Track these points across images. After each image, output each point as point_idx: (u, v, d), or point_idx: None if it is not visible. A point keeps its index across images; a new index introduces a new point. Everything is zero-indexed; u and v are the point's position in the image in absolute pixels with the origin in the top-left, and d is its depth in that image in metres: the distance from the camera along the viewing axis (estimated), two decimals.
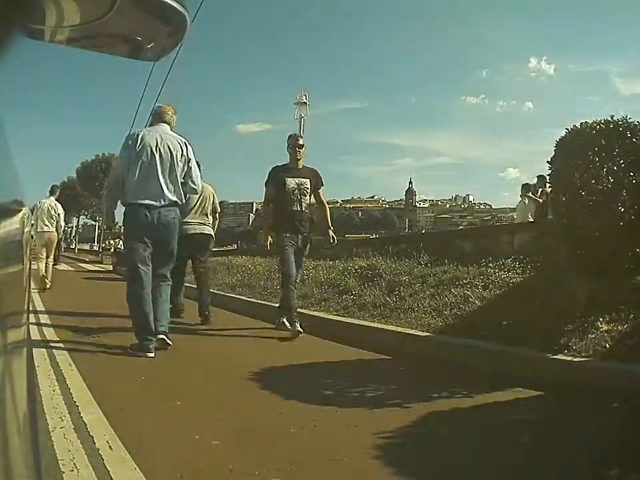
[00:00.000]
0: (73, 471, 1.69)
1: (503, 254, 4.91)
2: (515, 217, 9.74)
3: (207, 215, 5.13)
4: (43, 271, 7.82)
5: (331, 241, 4.80)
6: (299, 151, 4.61)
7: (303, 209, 4.53)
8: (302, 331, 4.23)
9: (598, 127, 3.43)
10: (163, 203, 3.44)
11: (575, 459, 1.89)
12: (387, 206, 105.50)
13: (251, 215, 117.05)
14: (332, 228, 4.87)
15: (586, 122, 3.55)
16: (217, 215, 5.40)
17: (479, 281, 4.47)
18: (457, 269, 4.90)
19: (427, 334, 3.79)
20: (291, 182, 4.50)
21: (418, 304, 4.44)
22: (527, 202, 8.40)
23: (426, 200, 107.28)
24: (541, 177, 8.39)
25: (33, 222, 7.07)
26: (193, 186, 3.68)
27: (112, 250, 16.40)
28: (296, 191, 4.49)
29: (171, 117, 3.74)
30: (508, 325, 3.43)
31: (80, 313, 5.26)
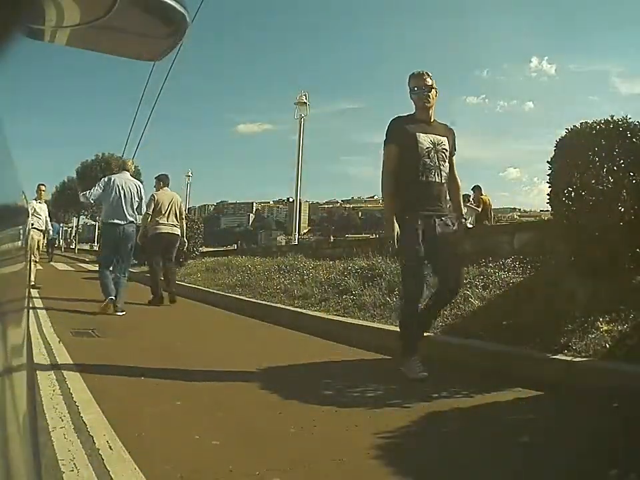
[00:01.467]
0: (72, 470, 1.69)
1: (503, 254, 4.91)
2: None
3: (176, 218, 6.45)
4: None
5: (467, 223, 3.19)
6: (428, 95, 3.09)
7: (442, 181, 3.10)
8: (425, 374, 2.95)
9: (598, 127, 3.44)
10: (125, 222, 5.54)
11: (575, 459, 1.89)
12: None
13: (251, 215, 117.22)
14: (464, 212, 3.51)
15: (586, 122, 3.55)
16: (184, 217, 6.73)
17: (479, 281, 4.46)
18: None
19: (427, 334, 3.78)
20: (425, 139, 3.05)
21: None
22: (465, 211, 9.14)
23: None
24: (476, 187, 9.73)
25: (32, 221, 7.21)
26: (142, 213, 5.94)
27: None
28: (432, 153, 3.05)
29: (130, 166, 5.98)
30: (508, 325, 3.43)
31: (80, 313, 5.27)
